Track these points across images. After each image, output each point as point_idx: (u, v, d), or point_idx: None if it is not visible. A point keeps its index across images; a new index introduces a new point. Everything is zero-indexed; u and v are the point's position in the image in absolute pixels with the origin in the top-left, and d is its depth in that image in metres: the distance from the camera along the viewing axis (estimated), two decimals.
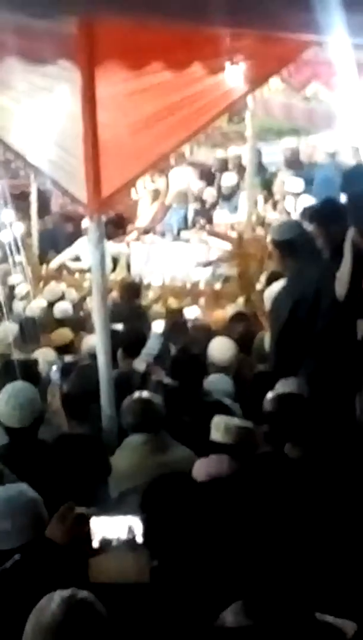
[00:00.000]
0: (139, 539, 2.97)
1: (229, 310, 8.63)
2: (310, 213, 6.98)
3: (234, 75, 5.84)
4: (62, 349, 7.68)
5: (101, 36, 5.06)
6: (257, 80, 6.19)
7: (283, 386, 4.77)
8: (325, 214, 5.96)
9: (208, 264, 10.56)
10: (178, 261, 11.15)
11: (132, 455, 4.73)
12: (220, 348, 6.57)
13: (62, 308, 9.50)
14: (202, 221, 11.57)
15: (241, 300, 9.11)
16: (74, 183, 5.53)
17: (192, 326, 8.22)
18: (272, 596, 2.78)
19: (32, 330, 8.41)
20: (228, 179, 12.09)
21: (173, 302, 9.81)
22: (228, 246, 10.32)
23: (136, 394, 5.03)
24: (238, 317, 8.05)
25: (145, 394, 5.03)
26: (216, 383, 5.97)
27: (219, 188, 12.32)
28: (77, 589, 2.56)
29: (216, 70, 5.78)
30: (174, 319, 8.42)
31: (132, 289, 9.55)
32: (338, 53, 5.05)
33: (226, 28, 5.29)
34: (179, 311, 8.97)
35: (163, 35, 5.18)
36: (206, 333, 7.51)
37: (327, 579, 3.15)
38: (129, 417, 4.90)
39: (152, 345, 6.24)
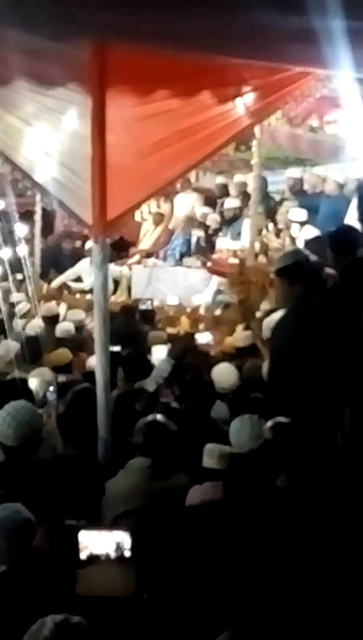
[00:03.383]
0: (127, 554, 2.98)
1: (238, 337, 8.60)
2: (322, 239, 7.02)
3: (242, 105, 5.89)
4: (60, 369, 7.67)
5: (112, 61, 5.11)
6: (264, 111, 6.25)
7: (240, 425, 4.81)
8: (339, 240, 5.98)
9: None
10: (178, 286, 11.20)
11: (133, 478, 4.68)
12: (223, 374, 6.59)
13: (64, 328, 9.50)
14: (202, 258, 11.60)
15: (240, 327, 9.12)
16: (80, 204, 5.56)
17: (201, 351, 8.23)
18: (263, 627, 2.79)
19: (32, 349, 8.40)
20: (230, 204, 12.16)
21: (182, 329, 9.84)
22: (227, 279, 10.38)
23: (151, 417, 4.99)
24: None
25: (160, 417, 4.97)
26: (214, 409, 5.98)
27: (221, 214, 12.39)
28: (69, 614, 2.57)
29: (225, 100, 5.84)
30: (186, 343, 8.44)
31: (130, 311, 9.58)
32: (344, 87, 5.09)
33: (235, 58, 5.34)
34: (191, 335, 8.97)
35: (173, 63, 5.24)
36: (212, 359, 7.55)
37: (317, 608, 3.16)
38: (138, 437, 4.85)
39: (163, 367, 6.25)
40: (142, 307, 10.40)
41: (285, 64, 5.49)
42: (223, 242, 11.56)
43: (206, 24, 4.73)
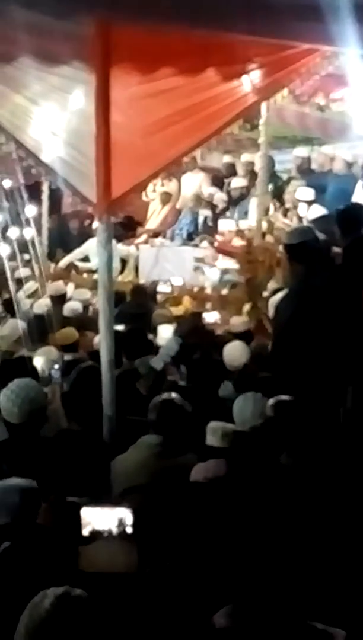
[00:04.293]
0: (129, 530, 3.00)
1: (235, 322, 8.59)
2: (330, 218, 7.00)
3: (247, 82, 5.86)
4: (66, 348, 7.70)
5: (117, 39, 5.08)
6: (270, 88, 6.22)
7: (244, 403, 4.80)
8: (346, 218, 5.96)
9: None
10: (186, 265, 11.19)
11: (142, 454, 4.68)
12: (235, 353, 6.59)
13: (72, 307, 9.52)
14: (209, 238, 11.58)
15: (247, 306, 9.12)
16: (84, 183, 5.55)
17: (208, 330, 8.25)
18: (263, 600, 2.80)
19: (39, 328, 8.44)
20: (237, 183, 12.12)
21: (179, 307, 9.84)
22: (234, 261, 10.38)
23: (166, 395, 4.98)
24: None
25: (175, 396, 4.94)
26: (222, 388, 6.00)
27: (228, 193, 12.36)
28: (70, 587, 2.59)
29: (230, 77, 5.81)
30: (194, 322, 8.44)
31: (142, 292, 9.58)
32: (350, 64, 5.07)
33: (241, 36, 5.31)
34: (199, 314, 8.98)
35: (178, 41, 5.21)
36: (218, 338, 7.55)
37: (318, 585, 3.17)
38: (152, 414, 4.84)
39: (171, 346, 6.26)
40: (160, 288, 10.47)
41: (291, 40, 5.46)
42: (225, 224, 11.54)
43: (212, 0, 4.72)
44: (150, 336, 7.52)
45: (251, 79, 5.89)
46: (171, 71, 5.60)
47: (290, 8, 4.54)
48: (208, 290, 10.43)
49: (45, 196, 12.64)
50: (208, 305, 9.90)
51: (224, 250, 10.90)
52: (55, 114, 5.89)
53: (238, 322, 8.35)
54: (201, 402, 5.44)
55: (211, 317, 9.04)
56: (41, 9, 4.81)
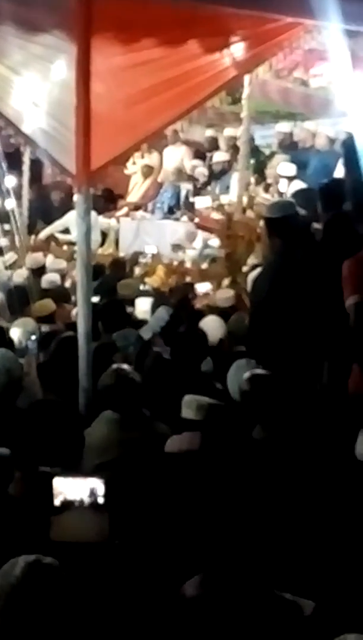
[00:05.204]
0: (101, 500, 3.02)
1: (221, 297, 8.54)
2: (311, 193, 6.99)
3: (229, 55, 5.84)
4: (44, 320, 7.69)
5: (98, 8, 5.04)
6: (251, 62, 6.19)
7: (237, 368, 4.79)
8: (327, 193, 5.96)
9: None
10: (166, 239, 11.17)
11: (104, 430, 4.63)
12: (211, 327, 6.59)
13: (50, 279, 9.49)
14: (189, 214, 11.55)
15: (226, 281, 9.12)
16: (64, 154, 5.52)
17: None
18: (232, 570, 2.83)
19: (18, 300, 8.42)
20: (218, 157, 12.09)
21: (158, 279, 9.83)
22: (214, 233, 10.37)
23: (115, 367, 4.93)
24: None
25: (124, 367, 4.90)
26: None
27: (210, 167, 12.33)
28: (41, 555, 2.60)
29: (212, 50, 5.79)
30: (185, 292, 8.44)
31: (121, 265, 9.57)
32: (332, 39, 5.06)
33: (224, 8, 5.28)
34: (190, 285, 8.97)
35: (160, 12, 5.17)
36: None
37: (287, 557, 3.20)
38: (104, 390, 4.82)
39: (161, 316, 6.25)
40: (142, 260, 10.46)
41: (273, 13, 5.43)
42: (202, 202, 11.52)
43: None
44: (129, 309, 7.51)
45: (233, 52, 5.86)
46: (153, 42, 5.56)
47: None
48: (188, 264, 10.41)
49: (26, 167, 12.56)
50: (188, 279, 9.88)
51: (204, 227, 10.89)
52: (36, 83, 5.84)
53: (225, 296, 8.31)
54: (184, 375, 5.46)
55: (202, 287, 9.02)
56: None
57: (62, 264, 10.04)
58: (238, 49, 5.87)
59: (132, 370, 4.87)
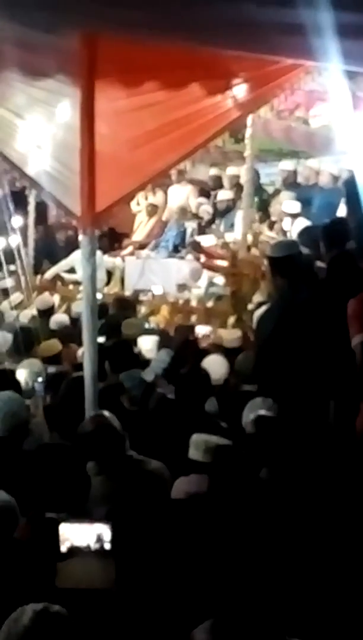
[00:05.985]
0: (107, 546, 3.00)
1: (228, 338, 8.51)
2: (314, 232, 7.02)
3: (232, 96, 5.88)
4: (50, 360, 7.68)
5: (102, 52, 5.10)
6: (254, 103, 6.24)
7: (252, 407, 4.77)
8: (330, 232, 5.98)
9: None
10: (171, 277, 11.20)
11: (95, 484, 4.42)
12: (213, 366, 6.58)
13: (59, 320, 9.49)
14: (195, 253, 11.60)
15: (232, 319, 9.13)
16: (68, 196, 5.56)
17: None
18: (242, 616, 2.80)
19: (24, 340, 8.41)
20: (223, 195, 12.17)
21: (162, 319, 9.84)
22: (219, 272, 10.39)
23: (93, 414, 4.84)
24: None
25: (103, 414, 4.77)
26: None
27: (214, 205, 12.39)
28: (49, 603, 2.59)
29: (215, 91, 5.82)
30: (186, 334, 8.45)
31: (125, 304, 9.57)
32: (332, 79, 5.09)
33: (226, 50, 5.33)
34: (190, 328, 8.98)
35: (163, 55, 5.22)
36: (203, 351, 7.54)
37: (298, 601, 3.17)
38: (83, 437, 4.68)
39: (162, 358, 6.25)
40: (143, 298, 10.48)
41: (274, 55, 5.48)
42: (206, 240, 11.57)
43: (196, 15, 4.73)
44: (136, 349, 7.51)
45: (235, 94, 5.90)
46: (156, 85, 5.61)
47: (273, 23, 4.54)
48: (193, 303, 10.43)
49: (31, 207, 12.64)
50: (193, 317, 9.89)
51: (209, 266, 10.93)
52: (40, 127, 5.89)
53: (232, 337, 8.29)
54: (188, 415, 5.44)
55: (202, 329, 9.03)
56: (25, 21, 4.82)
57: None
58: (240, 91, 5.90)
59: (112, 416, 4.73)
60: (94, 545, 3.03)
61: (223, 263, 10.49)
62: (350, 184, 5.87)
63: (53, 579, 2.96)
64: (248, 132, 10.29)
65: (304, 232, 7.82)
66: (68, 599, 2.72)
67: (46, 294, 10.93)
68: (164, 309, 10.30)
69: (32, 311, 9.98)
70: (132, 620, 2.92)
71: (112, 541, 3.11)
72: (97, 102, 5.20)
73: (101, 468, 4.53)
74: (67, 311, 9.99)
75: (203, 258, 11.30)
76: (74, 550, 3.03)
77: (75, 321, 9.41)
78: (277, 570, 3.10)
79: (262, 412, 4.55)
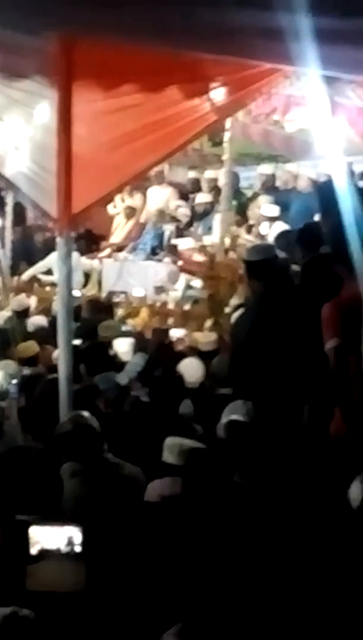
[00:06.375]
0: (78, 549, 2.99)
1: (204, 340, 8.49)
2: (291, 236, 7.04)
3: (209, 100, 5.89)
4: (26, 362, 7.65)
5: (79, 54, 5.10)
6: (232, 107, 6.26)
7: (232, 409, 4.77)
8: (306, 236, 5.99)
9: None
10: (149, 280, 11.20)
11: (69, 486, 4.41)
12: (189, 369, 6.58)
13: (36, 322, 9.44)
14: (172, 256, 11.59)
15: (209, 322, 9.12)
16: (45, 198, 5.55)
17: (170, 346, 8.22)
18: (212, 620, 2.80)
19: (0, 342, 8.37)
20: (201, 198, 12.17)
21: (141, 322, 9.82)
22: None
23: (72, 414, 4.84)
24: None
25: (82, 414, 4.78)
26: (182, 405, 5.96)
27: (193, 208, 12.40)
28: (18, 608, 2.58)
29: (193, 95, 5.84)
30: (161, 337, 8.45)
31: (101, 306, 9.55)
32: (310, 84, 5.11)
33: (203, 54, 5.34)
34: (165, 331, 8.97)
35: (140, 58, 5.23)
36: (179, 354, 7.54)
37: (268, 606, 3.17)
38: (61, 438, 4.70)
39: (137, 361, 6.24)
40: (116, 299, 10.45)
41: (252, 60, 5.50)
42: (184, 243, 11.57)
43: (174, 19, 4.73)
44: (111, 352, 7.49)
45: (213, 97, 5.92)
46: (134, 88, 5.62)
47: (251, 28, 4.55)
48: (171, 306, 10.42)
49: (9, 208, 12.58)
50: (170, 320, 9.87)
51: (187, 270, 10.93)
52: (17, 128, 5.87)
53: (207, 340, 8.27)
54: (162, 418, 5.43)
55: (176, 333, 9.02)
56: (3, 23, 4.81)
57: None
58: (218, 94, 5.93)
59: (91, 417, 4.75)
60: (64, 548, 3.02)
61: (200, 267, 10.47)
62: (323, 188, 5.89)
63: (23, 582, 2.94)
64: (226, 136, 10.30)
65: (281, 236, 7.84)
66: (38, 601, 2.70)
67: (22, 295, 10.86)
68: (144, 311, 10.27)
69: (8, 313, 9.92)
70: (101, 623, 2.91)
71: (84, 544, 3.09)
72: (74, 104, 5.21)
73: (78, 469, 4.54)
74: (45, 312, 9.91)
75: (180, 262, 11.30)
76: (44, 553, 3.02)
77: (53, 323, 9.39)
78: (247, 574, 3.10)
79: (234, 416, 4.54)
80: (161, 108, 5.82)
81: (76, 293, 7.60)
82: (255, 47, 5.06)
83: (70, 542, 3.01)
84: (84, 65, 5.17)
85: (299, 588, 3.28)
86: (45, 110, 5.54)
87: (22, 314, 9.76)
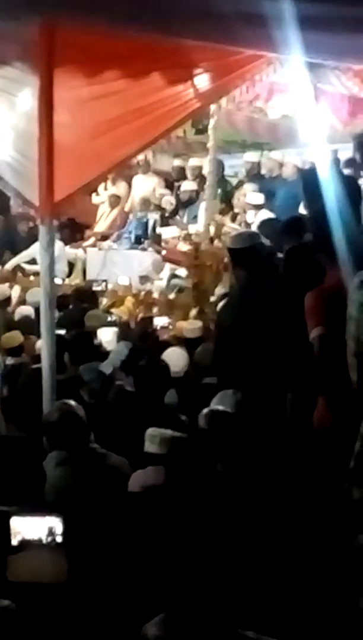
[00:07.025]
0: (59, 539, 2.97)
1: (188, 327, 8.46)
2: (275, 224, 7.01)
3: (193, 86, 5.86)
4: (11, 352, 7.61)
5: (61, 40, 5.05)
6: (215, 93, 6.23)
7: (222, 398, 4.75)
8: (291, 225, 5.95)
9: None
10: (133, 269, 11.16)
11: (54, 476, 4.40)
12: (172, 358, 6.54)
13: (24, 312, 9.37)
14: (156, 246, 11.55)
15: (194, 311, 9.10)
16: (27, 186, 5.51)
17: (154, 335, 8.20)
18: (195, 609, 2.78)
19: None
20: (186, 186, 12.13)
21: (125, 310, 9.78)
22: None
23: (58, 403, 4.83)
24: None
25: (69, 403, 4.77)
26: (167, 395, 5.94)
27: (177, 196, 12.36)
28: None
29: (176, 81, 5.81)
30: (145, 326, 8.42)
31: (86, 295, 9.50)
32: (296, 71, 5.09)
33: (188, 40, 5.31)
34: (149, 319, 8.94)
35: (123, 44, 5.19)
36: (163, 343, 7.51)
37: (250, 594, 3.16)
38: (48, 427, 4.69)
39: (121, 350, 6.21)
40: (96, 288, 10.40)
41: (236, 46, 5.47)
42: (168, 232, 11.53)
43: (158, 4, 4.71)
44: (96, 341, 7.46)
45: (197, 83, 5.88)
46: (117, 74, 5.58)
47: (237, 14, 4.53)
48: (155, 295, 10.39)
49: None
50: (155, 309, 9.85)
51: (171, 259, 10.89)
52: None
53: (192, 327, 8.24)
54: (146, 408, 5.40)
55: (160, 321, 9.00)
56: None
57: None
58: (201, 81, 5.89)
59: (78, 406, 4.75)
60: (46, 539, 3.00)
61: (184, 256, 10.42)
62: (307, 175, 5.85)
63: (4, 573, 2.92)
64: (211, 123, 10.26)
65: (264, 224, 7.81)
66: (19, 592, 2.68)
67: (3, 285, 10.78)
68: (129, 300, 10.24)
69: None
70: (83, 614, 2.89)
71: (67, 534, 3.07)
72: (56, 91, 5.16)
73: (65, 458, 4.52)
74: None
75: (164, 251, 11.26)
76: (25, 544, 3.00)
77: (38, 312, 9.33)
78: (230, 563, 3.08)
79: (217, 407, 4.51)
80: (144, 94, 5.78)
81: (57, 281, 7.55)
82: (239, 34, 5.04)
83: (51, 533, 2.99)
84: (66, 51, 5.12)
85: (282, 575, 3.27)
86: (27, 98, 5.49)
87: (3, 303, 9.72)
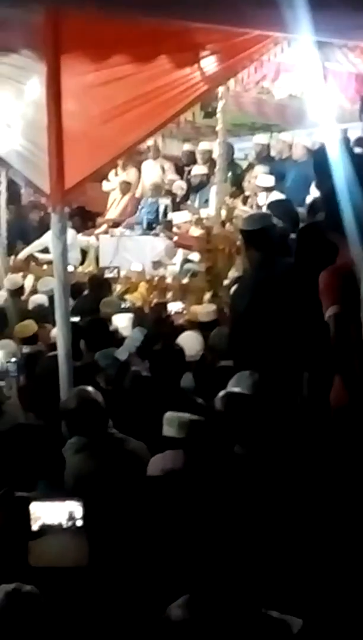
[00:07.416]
0: (79, 524, 2.98)
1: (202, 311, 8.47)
2: (285, 205, 6.97)
3: (200, 69, 5.84)
4: (26, 341, 7.63)
5: (67, 27, 5.03)
6: (223, 75, 6.20)
7: (238, 380, 4.74)
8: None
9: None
10: (146, 255, 11.15)
11: (73, 462, 4.44)
12: (188, 342, 6.54)
13: (37, 301, 9.41)
14: (168, 232, 11.53)
15: (207, 295, 9.08)
16: (37, 174, 5.50)
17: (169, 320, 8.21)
18: (219, 590, 2.79)
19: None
20: (196, 170, 12.11)
21: (139, 296, 9.79)
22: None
23: (76, 389, 4.86)
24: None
25: (87, 389, 4.79)
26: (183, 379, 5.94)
27: (188, 181, 12.33)
28: (21, 583, 2.57)
29: (183, 64, 5.79)
30: (159, 312, 8.42)
31: (99, 283, 9.52)
32: (304, 51, 5.06)
33: (193, 23, 5.29)
34: (163, 305, 8.94)
35: (129, 29, 5.17)
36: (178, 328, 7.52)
37: (275, 575, 3.17)
38: (66, 413, 4.72)
39: (136, 336, 6.22)
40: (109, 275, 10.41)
41: (242, 27, 5.44)
42: (179, 217, 11.51)
43: None
44: (111, 327, 7.47)
45: (204, 66, 5.86)
46: (123, 59, 5.57)
47: None
48: (168, 280, 10.38)
49: (3, 187, 12.50)
50: (169, 294, 9.84)
51: (183, 244, 10.87)
52: (8, 104, 5.81)
53: (206, 310, 8.24)
54: (163, 392, 5.40)
55: (174, 306, 9.00)
56: None
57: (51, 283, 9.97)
58: (208, 63, 5.87)
59: (95, 391, 4.77)
60: (66, 523, 3.01)
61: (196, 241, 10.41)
62: (319, 154, 5.81)
63: (25, 558, 2.94)
64: (219, 106, 10.21)
65: (276, 205, 7.76)
66: (41, 577, 2.70)
67: (16, 274, 10.81)
68: (143, 286, 10.24)
69: (4, 293, 9.89)
70: (106, 597, 2.90)
71: (87, 519, 3.09)
72: (63, 78, 5.15)
73: (84, 444, 4.54)
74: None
75: (176, 237, 11.24)
76: (45, 529, 3.02)
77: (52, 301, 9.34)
78: (253, 544, 3.09)
79: (234, 389, 4.51)
80: (152, 78, 5.76)
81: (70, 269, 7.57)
82: (245, 14, 5.02)
83: (71, 517, 3.01)
84: (72, 37, 5.12)
85: (301, 556, 3.28)
86: (35, 86, 5.47)
87: (16, 292, 9.75)
